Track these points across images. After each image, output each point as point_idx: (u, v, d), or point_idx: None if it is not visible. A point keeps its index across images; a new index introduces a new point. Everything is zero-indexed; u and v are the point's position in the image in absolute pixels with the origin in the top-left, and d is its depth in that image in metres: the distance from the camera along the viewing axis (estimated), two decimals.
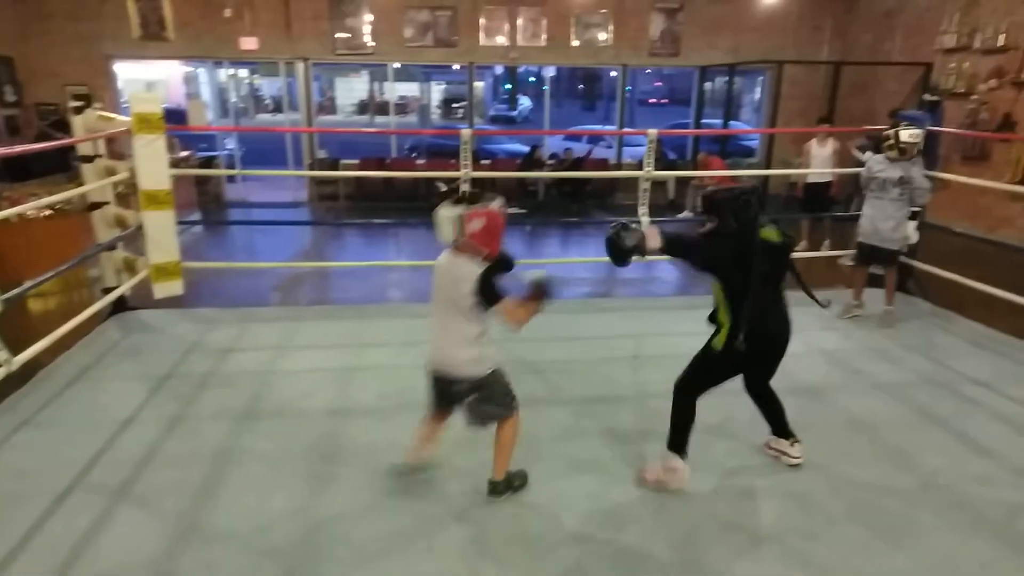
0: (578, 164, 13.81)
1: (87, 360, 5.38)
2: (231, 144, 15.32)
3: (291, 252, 9.62)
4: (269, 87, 33.53)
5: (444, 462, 3.97)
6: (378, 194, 13.63)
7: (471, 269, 3.23)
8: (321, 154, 14.15)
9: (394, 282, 7.89)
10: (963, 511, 3.67)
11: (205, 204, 12.66)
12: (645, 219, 6.85)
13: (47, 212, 7.17)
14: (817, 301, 4.02)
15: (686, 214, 11.82)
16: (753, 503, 3.72)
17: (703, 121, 15.15)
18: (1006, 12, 10.21)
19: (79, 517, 3.49)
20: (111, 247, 6.12)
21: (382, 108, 30.03)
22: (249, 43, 12.63)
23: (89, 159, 5.89)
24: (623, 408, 4.75)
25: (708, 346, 3.64)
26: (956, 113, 10.61)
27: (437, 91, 33.79)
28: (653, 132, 6.86)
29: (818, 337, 6.05)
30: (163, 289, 6.02)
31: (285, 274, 8.20)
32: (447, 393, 3.52)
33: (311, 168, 13.77)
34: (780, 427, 4.02)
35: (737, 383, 3.87)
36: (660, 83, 39.34)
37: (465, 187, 6.73)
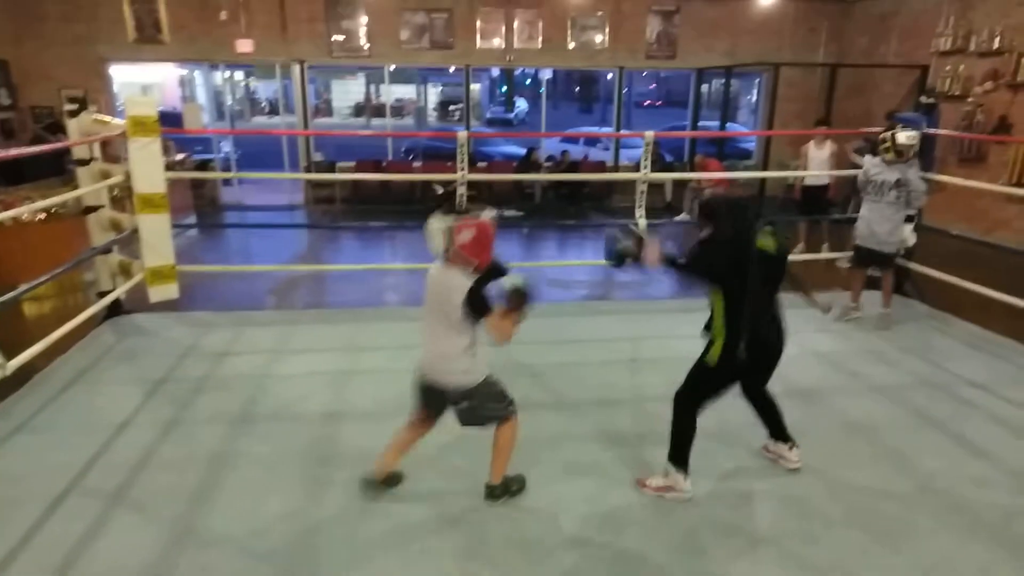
0: (575, 167, 13.81)
1: (82, 364, 5.37)
2: (227, 147, 15.30)
3: (287, 255, 9.60)
4: (265, 90, 33.60)
5: (441, 464, 3.96)
6: (374, 197, 13.60)
7: (462, 281, 3.22)
8: (317, 157, 14.14)
9: (390, 285, 7.87)
10: (961, 514, 3.67)
11: (201, 207, 12.60)
12: (643, 221, 6.84)
13: (42, 216, 7.15)
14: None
15: (683, 216, 11.81)
16: (751, 506, 3.71)
17: (700, 123, 15.16)
18: (1001, 15, 10.24)
19: (74, 522, 3.48)
20: (106, 251, 6.10)
21: (378, 110, 30.22)
22: (245, 46, 12.60)
23: (84, 162, 5.87)
24: (621, 411, 4.74)
25: (704, 358, 3.63)
26: (952, 115, 10.63)
27: (433, 93, 33.85)
28: (650, 134, 6.85)
29: (815, 339, 6.05)
30: (158, 293, 6.00)
31: (281, 277, 8.18)
32: (437, 401, 3.51)
33: (307, 171, 13.75)
34: (778, 431, 4.02)
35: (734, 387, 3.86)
36: (654, 85, 39.45)
37: (462, 190, 6.74)
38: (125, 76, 16.41)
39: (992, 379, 5.31)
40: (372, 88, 32.26)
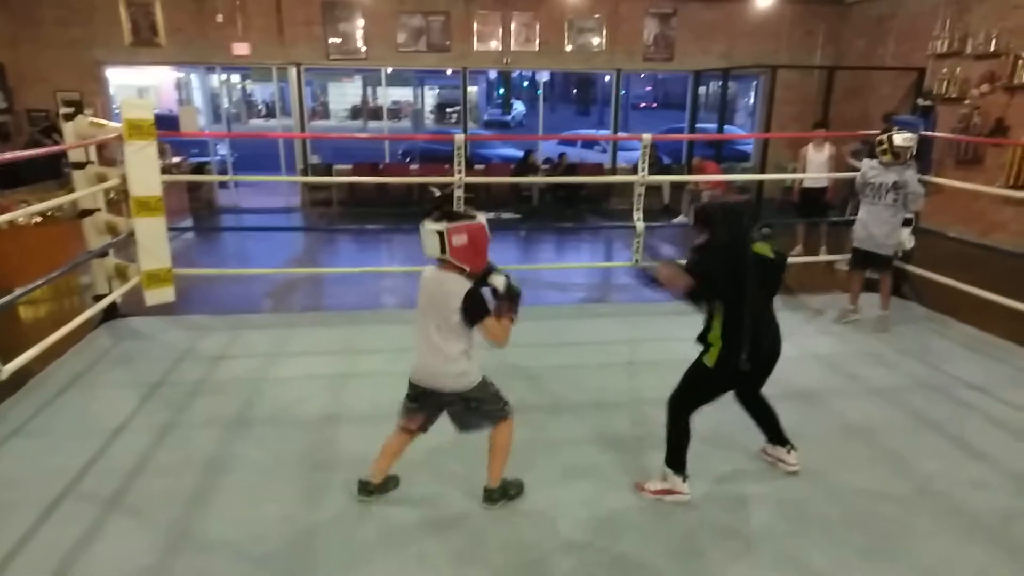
0: (572, 169, 13.80)
1: (78, 368, 5.35)
2: (223, 150, 15.27)
3: (284, 258, 9.58)
4: (262, 92, 33.57)
5: (437, 468, 3.95)
6: (371, 199, 13.58)
7: (457, 286, 3.21)
8: (314, 159, 14.12)
9: (387, 288, 7.86)
10: (959, 516, 3.67)
11: (197, 210, 12.58)
12: (640, 224, 6.83)
13: (38, 219, 7.13)
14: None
15: (681, 219, 11.81)
16: (749, 509, 3.70)
17: (697, 125, 15.16)
18: (997, 17, 10.25)
19: (70, 527, 3.46)
20: (102, 254, 6.09)
21: (375, 113, 30.22)
22: (241, 49, 12.60)
23: (80, 165, 5.86)
24: (619, 414, 4.73)
25: (700, 363, 3.62)
26: (949, 118, 10.64)
27: (430, 96, 33.82)
28: (647, 137, 6.86)
29: (813, 342, 6.05)
30: (154, 296, 5.99)
31: (278, 280, 8.16)
32: (431, 407, 3.50)
33: (304, 173, 13.73)
34: (775, 434, 4.01)
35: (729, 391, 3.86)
36: (649, 88, 39.49)
37: (459, 192, 6.73)
38: (121, 79, 16.37)
39: (990, 381, 5.31)
40: (369, 91, 32.25)
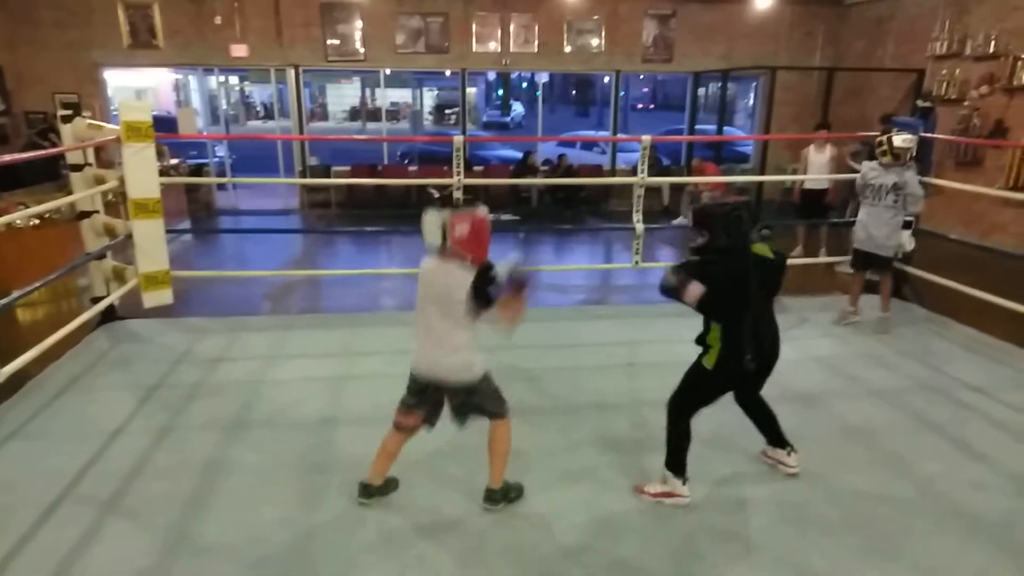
0: (572, 170, 13.80)
1: (76, 370, 5.33)
2: (221, 151, 15.26)
3: (282, 260, 9.56)
4: (260, 94, 33.57)
5: (436, 472, 3.94)
6: (370, 201, 13.58)
7: (462, 275, 3.20)
8: (312, 161, 14.11)
9: (386, 290, 7.85)
10: (959, 518, 3.66)
11: (195, 212, 12.58)
12: (640, 226, 6.82)
13: (35, 221, 7.12)
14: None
15: (680, 220, 11.80)
16: (749, 512, 3.69)
17: (696, 127, 15.16)
18: (997, 19, 10.25)
19: (68, 530, 3.45)
20: (100, 256, 6.07)
21: (374, 114, 30.22)
22: (239, 50, 12.59)
23: (78, 168, 5.84)
24: (618, 416, 4.72)
25: (699, 365, 3.60)
26: (948, 119, 10.62)
27: (429, 97, 33.83)
28: (647, 138, 6.85)
29: (814, 344, 6.04)
30: (152, 298, 5.97)
31: (276, 282, 8.15)
32: (433, 400, 3.47)
33: (302, 175, 13.73)
34: (775, 436, 4.00)
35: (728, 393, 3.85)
36: (646, 89, 39.52)
37: (458, 194, 6.72)
38: (119, 81, 16.36)
39: (991, 383, 5.30)
40: (367, 92, 32.26)
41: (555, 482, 3.91)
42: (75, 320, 5.27)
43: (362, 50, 13.09)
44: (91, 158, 6.00)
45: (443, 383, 3.39)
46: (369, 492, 3.65)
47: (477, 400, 3.42)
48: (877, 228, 6.21)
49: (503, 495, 3.62)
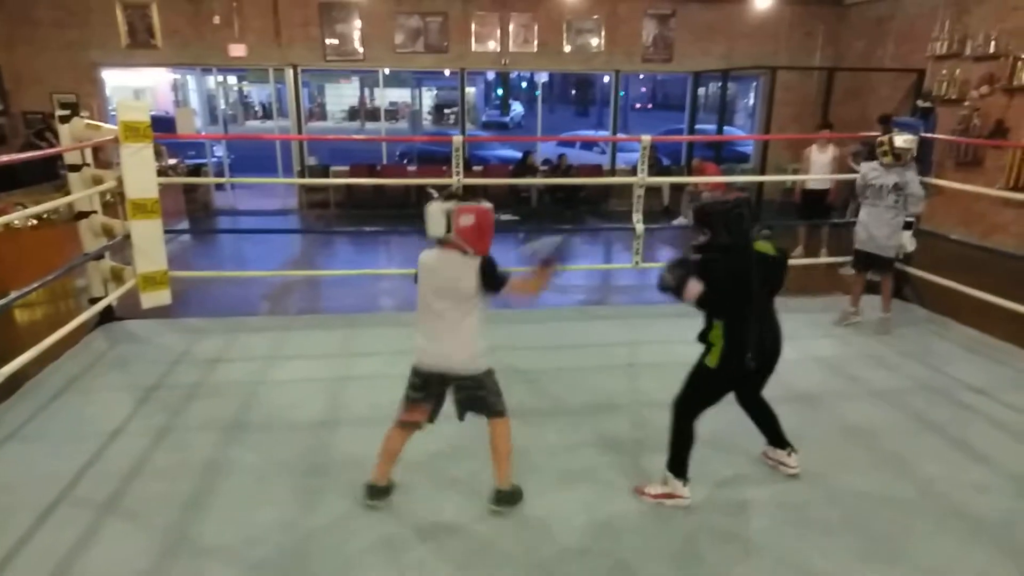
0: (571, 170, 13.79)
1: (74, 371, 5.32)
2: (220, 151, 15.25)
3: (280, 260, 9.55)
4: (259, 93, 33.57)
5: (435, 473, 3.93)
6: (369, 201, 13.57)
7: (465, 266, 3.20)
8: (311, 161, 14.10)
9: (385, 290, 7.83)
10: (960, 519, 3.65)
11: (193, 212, 12.57)
12: (640, 227, 6.80)
13: (33, 222, 7.10)
14: None
15: (680, 220, 11.78)
16: (749, 513, 3.68)
17: (696, 127, 15.16)
18: (996, 19, 10.24)
19: (66, 531, 3.43)
20: (98, 257, 6.06)
21: (373, 114, 30.21)
22: (238, 50, 12.58)
23: (76, 168, 5.83)
24: (618, 417, 4.70)
25: (701, 364, 3.59)
26: (949, 119, 10.62)
27: (428, 97, 33.81)
28: (647, 138, 6.83)
29: (815, 344, 6.03)
30: (151, 299, 5.95)
31: (274, 283, 8.14)
32: (437, 393, 3.45)
33: (301, 175, 13.72)
34: (775, 436, 3.99)
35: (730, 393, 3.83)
36: (644, 89, 39.53)
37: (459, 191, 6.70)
38: (118, 81, 16.36)
39: (991, 383, 5.29)
40: (366, 92, 32.25)
41: (555, 483, 3.89)
42: (73, 321, 5.25)
43: (361, 50, 13.08)
44: (89, 158, 5.99)
45: (452, 374, 3.37)
46: (376, 493, 3.62)
47: (483, 394, 3.41)
48: (878, 229, 6.20)
49: (512, 496, 3.61)
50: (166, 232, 6.12)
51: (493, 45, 13.35)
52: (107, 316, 6.22)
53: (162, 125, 9.01)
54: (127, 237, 5.85)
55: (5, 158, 5.22)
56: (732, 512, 3.68)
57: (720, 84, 13.99)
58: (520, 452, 3.62)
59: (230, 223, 12.99)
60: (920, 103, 10.31)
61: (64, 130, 5.70)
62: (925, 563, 3.31)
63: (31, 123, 12.07)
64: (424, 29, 13.05)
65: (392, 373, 5.06)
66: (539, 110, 15.76)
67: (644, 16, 13.59)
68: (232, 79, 29.72)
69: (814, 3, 13.79)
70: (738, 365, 3.46)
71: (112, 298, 6.07)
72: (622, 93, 14.81)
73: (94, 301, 6.00)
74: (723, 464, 4.07)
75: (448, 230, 3.17)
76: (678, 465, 3.67)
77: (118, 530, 3.48)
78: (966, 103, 10.61)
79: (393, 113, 30.83)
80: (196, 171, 13.92)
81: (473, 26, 13.18)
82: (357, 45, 13.02)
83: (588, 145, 17.46)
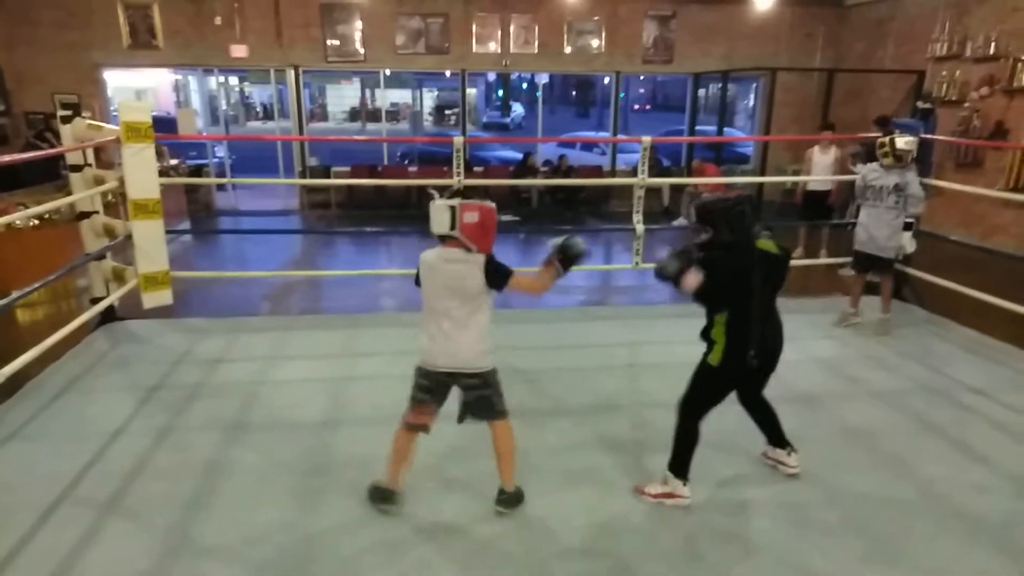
0: (572, 171, 13.79)
1: (75, 371, 5.32)
2: (221, 152, 15.26)
3: (282, 261, 9.56)
4: (260, 94, 33.57)
5: (436, 474, 3.93)
6: (370, 202, 13.58)
7: (469, 263, 3.22)
8: (312, 161, 14.11)
9: (386, 291, 7.83)
10: (960, 520, 3.65)
11: (195, 213, 12.59)
12: (640, 227, 6.81)
13: (35, 222, 7.11)
14: None
15: (680, 221, 11.79)
16: (749, 513, 3.68)
17: (697, 128, 15.16)
18: (996, 20, 10.25)
19: (67, 531, 3.44)
20: (100, 257, 6.06)
21: (374, 115, 30.23)
22: (239, 51, 12.59)
23: (78, 168, 5.83)
24: (619, 418, 4.70)
25: (704, 363, 3.60)
26: (949, 121, 10.62)
27: (429, 98, 33.82)
28: (647, 139, 6.83)
29: (814, 345, 6.03)
30: (152, 299, 5.96)
31: (276, 283, 8.14)
32: (442, 392, 3.45)
33: (302, 176, 13.73)
34: (776, 436, 3.99)
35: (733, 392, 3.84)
36: (642, 91, 39.54)
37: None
38: (119, 81, 16.37)
39: (991, 384, 5.30)
40: (367, 93, 32.27)
41: (556, 483, 3.90)
42: (75, 321, 5.25)
43: (362, 51, 13.09)
44: (91, 159, 5.99)
45: (460, 372, 3.37)
46: (383, 497, 3.60)
47: (490, 393, 3.41)
48: (878, 230, 6.21)
49: (516, 497, 3.61)
50: (168, 232, 6.13)
51: (494, 46, 13.36)
52: (109, 316, 6.22)
53: (164, 126, 9.03)
54: (129, 237, 5.85)
55: (7, 158, 5.23)
56: (732, 512, 3.68)
57: (720, 85, 13.99)
58: (521, 452, 3.63)
59: (231, 223, 13.00)
60: (920, 104, 10.29)
61: (66, 130, 5.70)
62: (925, 564, 3.31)
63: (33, 123, 12.09)
64: (425, 30, 13.06)
65: (393, 373, 5.07)
66: (540, 111, 15.76)
67: (644, 17, 13.60)
68: (233, 80, 29.72)
69: (814, 4, 13.79)
70: (740, 363, 3.46)
71: (114, 298, 6.08)
72: (622, 94, 14.80)
73: (95, 301, 6.01)
74: (723, 464, 4.08)
75: (452, 227, 3.18)
76: (680, 465, 3.68)
77: (119, 530, 3.48)
78: (966, 104, 10.61)
79: (394, 114, 30.90)
80: (197, 171, 13.93)
81: (474, 27, 13.19)
82: (358, 46, 13.03)
83: (588, 146, 17.44)
